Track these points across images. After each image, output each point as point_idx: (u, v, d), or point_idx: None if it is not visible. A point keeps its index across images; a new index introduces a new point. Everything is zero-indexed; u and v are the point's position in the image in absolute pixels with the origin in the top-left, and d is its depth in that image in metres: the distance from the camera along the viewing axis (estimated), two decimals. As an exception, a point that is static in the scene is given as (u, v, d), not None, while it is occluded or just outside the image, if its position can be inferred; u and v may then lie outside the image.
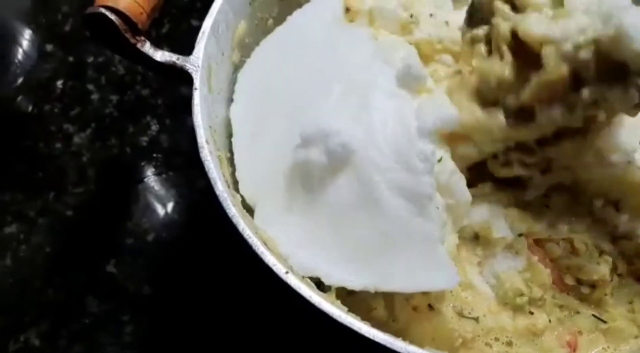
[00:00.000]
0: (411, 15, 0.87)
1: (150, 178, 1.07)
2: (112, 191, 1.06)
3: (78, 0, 1.25)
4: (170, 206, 1.04)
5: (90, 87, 1.16)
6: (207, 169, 0.70)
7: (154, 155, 1.09)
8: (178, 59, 0.78)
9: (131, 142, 1.10)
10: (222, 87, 0.86)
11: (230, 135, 0.85)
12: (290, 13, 0.91)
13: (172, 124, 1.13)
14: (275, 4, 0.94)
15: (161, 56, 0.78)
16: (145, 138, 1.11)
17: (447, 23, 0.89)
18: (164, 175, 1.07)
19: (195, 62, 0.78)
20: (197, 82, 0.76)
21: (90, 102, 1.14)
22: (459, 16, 0.88)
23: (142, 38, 0.77)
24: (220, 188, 0.69)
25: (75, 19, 1.24)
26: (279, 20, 0.93)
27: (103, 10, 0.73)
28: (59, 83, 1.16)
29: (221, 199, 0.69)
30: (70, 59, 1.19)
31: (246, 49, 0.91)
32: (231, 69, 0.88)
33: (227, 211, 0.68)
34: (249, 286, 0.90)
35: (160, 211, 1.04)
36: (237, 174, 0.79)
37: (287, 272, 0.64)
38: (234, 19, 0.86)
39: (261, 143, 0.81)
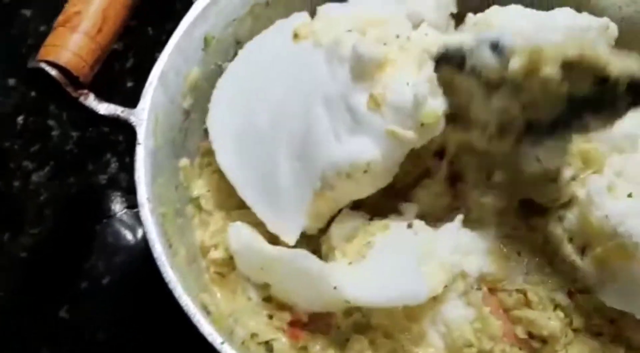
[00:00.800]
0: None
1: (109, 218, 1.05)
2: (69, 232, 1.04)
3: (41, 34, 1.24)
4: (128, 248, 1.03)
5: (52, 122, 1.14)
6: (145, 230, 0.69)
7: (113, 194, 1.08)
8: (122, 111, 0.77)
9: (90, 180, 1.09)
10: (172, 136, 0.84)
11: (179, 185, 0.85)
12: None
13: (132, 162, 1.10)
14: (230, 48, 0.92)
15: (105, 108, 0.77)
16: (104, 176, 1.09)
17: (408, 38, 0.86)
18: (122, 215, 1.05)
19: (140, 115, 0.76)
20: (140, 137, 0.75)
21: (50, 139, 1.13)
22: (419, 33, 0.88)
23: (85, 91, 0.76)
24: (159, 250, 0.68)
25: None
26: (237, 63, 0.93)
27: (43, 65, 0.72)
28: (20, 119, 1.14)
29: (159, 263, 0.67)
30: (32, 94, 1.17)
31: (200, 92, 0.89)
32: (182, 116, 0.86)
33: (164, 276, 0.66)
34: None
35: (118, 253, 1.02)
36: None
37: (222, 343, 0.63)
38: (185, 66, 0.85)
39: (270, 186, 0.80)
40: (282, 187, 0.78)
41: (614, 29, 0.87)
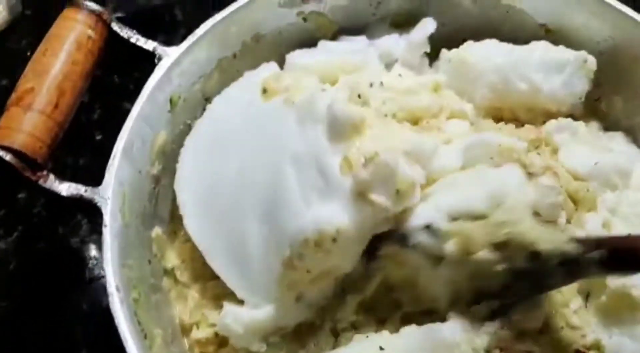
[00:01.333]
0: (359, 96, 0.81)
1: (84, 284, 0.99)
2: (41, 301, 0.98)
3: (2, 88, 1.19)
4: (106, 315, 0.97)
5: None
6: (116, 321, 0.65)
7: (87, 258, 1.01)
8: (86, 191, 0.72)
9: (62, 244, 1.02)
10: (142, 207, 0.80)
11: (153, 257, 0.81)
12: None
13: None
14: (198, 105, 0.88)
15: (67, 189, 0.72)
16: (76, 239, 1.02)
17: (382, 84, 0.84)
18: (98, 281, 1.00)
19: (105, 193, 0.72)
20: (106, 218, 0.70)
21: (17, 202, 1.07)
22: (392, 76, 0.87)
23: (44, 173, 0.71)
24: (130, 344, 0.64)
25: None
26: (205, 120, 0.89)
27: (-3, 150, 0.67)
28: (-17, 183, 1.09)
29: (130, 355, 0.63)
30: (-6, 158, 1.12)
31: (169, 156, 0.85)
32: (152, 184, 0.82)
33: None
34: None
35: (95, 321, 0.96)
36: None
37: None
38: (151, 132, 0.81)
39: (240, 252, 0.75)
40: (252, 254, 0.73)
41: (592, 62, 0.85)
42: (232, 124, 0.83)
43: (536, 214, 0.70)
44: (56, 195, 1.05)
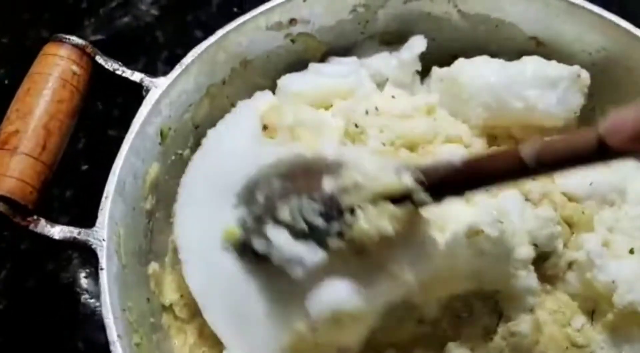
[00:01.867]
0: (356, 125, 0.81)
1: (79, 323, 0.95)
2: (35, 343, 0.94)
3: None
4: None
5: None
6: (121, 372, 0.62)
7: (80, 294, 0.97)
8: (79, 233, 0.69)
9: (52, 281, 0.98)
10: (138, 244, 0.77)
11: (151, 294, 0.78)
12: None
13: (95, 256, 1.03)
14: (190, 134, 0.85)
15: (59, 232, 0.69)
16: (67, 275, 0.99)
17: (377, 109, 0.83)
18: (93, 318, 0.95)
19: (99, 235, 0.69)
20: (102, 262, 0.68)
21: (3, 239, 1.02)
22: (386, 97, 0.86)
23: (34, 217, 0.68)
24: (137, 394, 0.61)
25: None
26: (196, 149, 0.86)
27: (-16, 198, 0.64)
28: (-34, 220, 1.05)
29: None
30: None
31: (162, 188, 0.82)
32: (146, 219, 0.80)
33: None
34: None
35: None
36: None
37: None
38: (142, 166, 0.78)
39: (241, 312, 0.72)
40: (255, 317, 0.70)
41: (586, 77, 0.84)
42: (230, 159, 0.80)
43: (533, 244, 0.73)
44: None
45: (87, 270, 1.00)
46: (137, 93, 0.81)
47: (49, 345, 0.94)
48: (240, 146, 0.81)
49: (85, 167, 1.08)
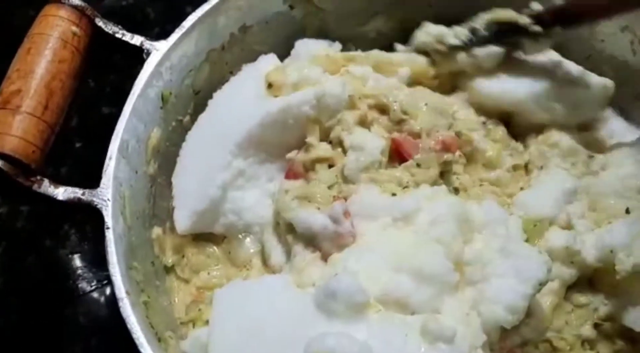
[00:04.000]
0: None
1: (79, 297, 0.94)
2: (36, 320, 0.92)
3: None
4: (104, 328, 0.92)
5: (-4, 199, 1.03)
6: (129, 327, 0.62)
7: (79, 270, 0.96)
8: (83, 194, 0.68)
9: (51, 258, 0.97)
10: (142, 208, 0.77)
11: (155, 258, 0.77)
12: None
13: (94, 230, 1.01)
14: (190, 100, 0.85)
15: (63, 193, 0.69)
16: (65, 251, 0.97)
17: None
18: (93, 293, 0.95)
19: (104, 195, 0.69)
20: (108, 220, 0.67)
21: (-2, 217, 1.02)
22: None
23: (38, 178, 0.67)
24: (147, 348, 0.60)
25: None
26: (197, 116, 0.85)
27: (-15, 156, 0.63)
28: (-39, 199, 1.03)
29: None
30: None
31: (164, 154, 0.82)
32: (149, 183, 0.79)
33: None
34: None
35: (93, 335, 0.91)
36: None
37: None
38: (145, 130, 0.77)
39: None
40: None
41: (611, 87, 0.86)
42: (233, 119, 0.81)
43: None
44: (40, 206, 1.01)
45: (86, 247, 0.99)
46: (129, 69, 0.81)
47: (51, 322, 0.92)
48: (243, 103, 0.81)
49: (79, 144, 1.06)
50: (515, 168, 0.81)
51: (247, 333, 0.65)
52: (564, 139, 0.83)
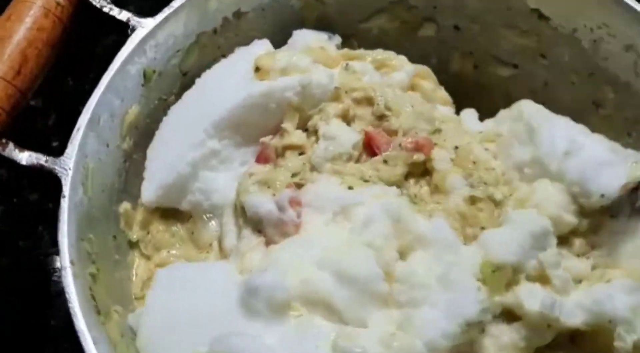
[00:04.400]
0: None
1: (50, 299, 0.91)
2: (15, 325, 0.91)
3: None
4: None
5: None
6: (67, 296, 0.63)
7: (52, 272, 0.94)
8: (47, 161, 0.70)
9: (24, 259, 0.95)
10: (110, 181, 0.78)
11: (120, 232, 0.78)
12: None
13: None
14: (176, 80, 0.85)
15: (27, 158, 0.70)
16: (39, 252, 0.95)
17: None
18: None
19: (66, 164, 0.70)
20: (65, 189, 0.68)
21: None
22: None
23: (3, 140, 0.69)
24: (80, 318, 0.61)
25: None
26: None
27: (-49, 114, 0.65)
28: None
29: (79, 334, 0.61)
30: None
31: (142, 131, 0.82)
32: (122, 158, 0.79)
33: (86, 350, 0.60)
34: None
35: (66, 339, 0.85)
36: None
37: None
38: (121, 105, 0.78)
39: None
40: None
41: None
42: (215, 97, 0.81)
43: None
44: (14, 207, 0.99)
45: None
46: (122, 37, 0.80)
47: (22, 323, 0.92)
48: (228, 84, 0.81)
49: (56, 144, 1.00)
50: (473, 200, 0.72)
51: (178, 318, 0.65)
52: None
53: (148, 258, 0.81)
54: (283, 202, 0.70)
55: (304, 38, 0.88)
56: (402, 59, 0.88)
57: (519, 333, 0.66)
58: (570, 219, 0.71)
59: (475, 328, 0.63)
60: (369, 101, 0.80)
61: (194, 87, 0.85)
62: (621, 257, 0.72)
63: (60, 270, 0.64)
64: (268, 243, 0.71)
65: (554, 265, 0.68)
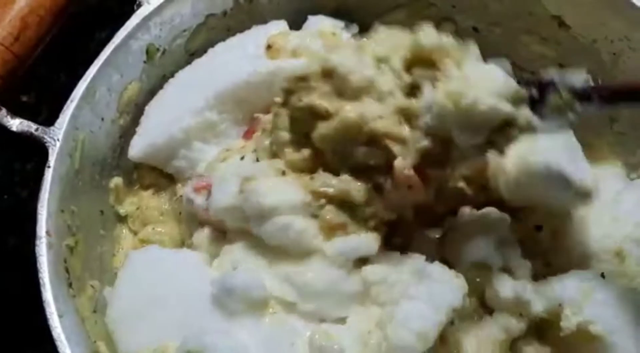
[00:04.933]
0: None
1: (40, 298, 0.86)
2: (9, 330, 0.89)
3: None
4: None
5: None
6: (38, 266, 0.63)
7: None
8: (37, 129, 0.70)
9: (14, 257, 0.92)
10: (102, 155, 0.77)
11: (109, 207, 0.78)
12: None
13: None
14: (180, 60, 0.84)
15: (18, 125, 0.70)
16: (29, 249, 0.86)
17: None
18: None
19: (55, 135, 0.69)
20: (51, 160, 0.68)
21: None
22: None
23: (-5, 105, 0.69)
24: (47, 288, 0.61)
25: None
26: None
27: (-55, 75, 0.66)
28: None
29: (45, 304, 0.61)
30: None
31: (141, 109, 0.81)
32: (116, 133, 0.79)
33: (50, 322, 0.60)
34: None
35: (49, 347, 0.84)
36: None
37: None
38: (120, 80, 0.78)
39: None
40: None
41: None
42: (220, 70, 0.80)
43: None
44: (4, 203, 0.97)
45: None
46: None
47: (11, 321, 0.90)
48: (238, 57, 0.81)
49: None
50: None
51: (147, 302, 0.65)
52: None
53: (135, 233, 0.80)
54: (188, 192, 0.72)
55: (320, 23, 0.86)
56: None
57: (497, 324, 0.68)
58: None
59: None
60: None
61: (204, 56, 0.84)
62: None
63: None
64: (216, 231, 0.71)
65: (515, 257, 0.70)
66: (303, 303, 0.64)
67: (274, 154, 0.69)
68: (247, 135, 0.78)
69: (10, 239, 0.95)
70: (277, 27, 0.85)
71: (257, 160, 0.70)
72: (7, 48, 0.68)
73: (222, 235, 0.70)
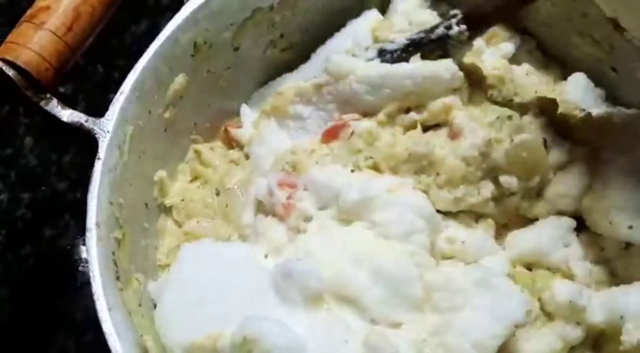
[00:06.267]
0: None
1: (75, 290, 0.91)
2: (30, 311, 0.91)
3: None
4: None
5: (-2, 184, 0.99)
6: (89, 258, 0.62)
7: (78, 261, 0.93)
8: (87, 121, 0.69)
9: (49, 248, 0.95)
10: (151, 148, 0.77)
11: (153, 200, 0.78)
12: (246, 64, 0.84)
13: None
14: (226, 54, 0.83)
15: (68, 115, 0.69)
16: (65, 241, 0.95)
17: None
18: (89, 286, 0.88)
19: (106, 127, 0.69)
20: (101, 152, 0.67)
21: (-1, 204, 0.98)
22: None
23: (47, 95, 0.69)
24: (97, 281, 0.61)
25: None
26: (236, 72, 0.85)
27: (0, 64, 0.65)
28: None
29: (95, 297, 0.60)
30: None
31: (187, 104, 0.81)
32: (163, 126, 0.79)
33: (100, 315, 0.60)
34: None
35: (88, 330, 0.87)
36: None
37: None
38: (168, 73, 0.77)
39: None
40: None
41: None
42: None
43: None
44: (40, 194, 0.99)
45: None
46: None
47: (45, 315, 0.91)
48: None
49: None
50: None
51: (201, 295, 0.65)
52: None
53: (179, 225, 0.80)
54: (271, 184, 0.72)
55: (406, 4, 0.86)
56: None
57: (554, 333, 0.67)
58: None
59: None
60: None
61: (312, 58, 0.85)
62: None
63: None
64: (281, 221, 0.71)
65: (578, 258, 0.71)
66: (362, 302, 0.63)
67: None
68: (328, 136, 0.77)
69: (47, 230, 0.96)
70: (372, 17, 0.85)
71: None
72: (60, 38, 0.67)
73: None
